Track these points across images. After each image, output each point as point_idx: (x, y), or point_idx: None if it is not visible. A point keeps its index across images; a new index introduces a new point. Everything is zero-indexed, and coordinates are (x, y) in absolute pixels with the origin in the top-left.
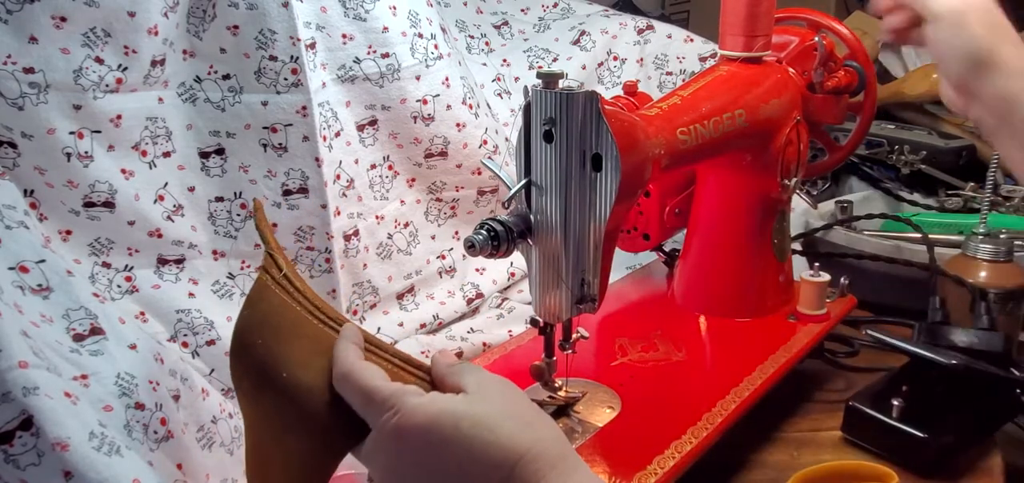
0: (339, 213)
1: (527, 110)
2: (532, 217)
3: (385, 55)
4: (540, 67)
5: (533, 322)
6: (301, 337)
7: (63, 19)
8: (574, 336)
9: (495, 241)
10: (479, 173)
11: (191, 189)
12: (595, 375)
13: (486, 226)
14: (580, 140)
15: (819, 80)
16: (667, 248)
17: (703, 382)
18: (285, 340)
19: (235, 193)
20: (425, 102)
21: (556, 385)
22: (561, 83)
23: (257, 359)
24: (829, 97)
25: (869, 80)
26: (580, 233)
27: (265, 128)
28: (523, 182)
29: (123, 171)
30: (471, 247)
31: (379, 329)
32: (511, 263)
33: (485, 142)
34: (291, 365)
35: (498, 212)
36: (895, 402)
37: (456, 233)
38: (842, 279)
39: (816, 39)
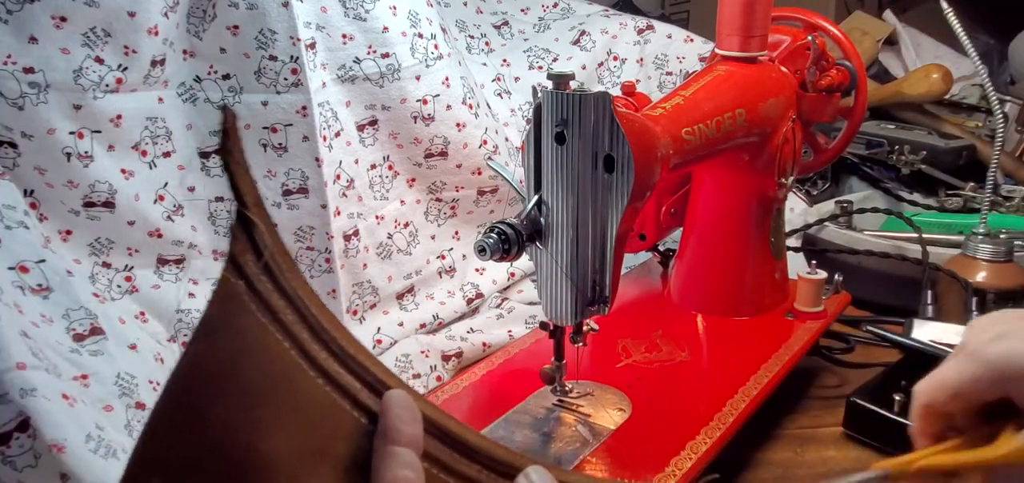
0: (339, 213)
1: (537, 111)
2: (542, 219)
3: (385, 55)
4: (540, 67)
5: (543, 325)
6: (291, 408)
7: (63, 19)
8: (585, 329)
9: (506, 245)
10: (479, 173)
11: (191, 189)
12: (601, 377)
13: (496, 230)
14: (593, 141)
15: (812, 79)
16: (661, 247)
17: (710, 382)
18: (260, 404)
19: None
20: (425, 102)
21: (566, 388)
22: (572, 84)
23: (210, 438)
24: (821, 96)
25: (860, 80)
26: (592, 235)
27: (265, 128)
28: (534, 200)
29: (123, 171)
30: (482, 251)
31: (379, 329)
32: (511, 263)
33: (485, 142)
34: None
35: (498, 212)
36: (896, 397)
37: (456, 233)
38: (836, 276)
39: (809, 38)
